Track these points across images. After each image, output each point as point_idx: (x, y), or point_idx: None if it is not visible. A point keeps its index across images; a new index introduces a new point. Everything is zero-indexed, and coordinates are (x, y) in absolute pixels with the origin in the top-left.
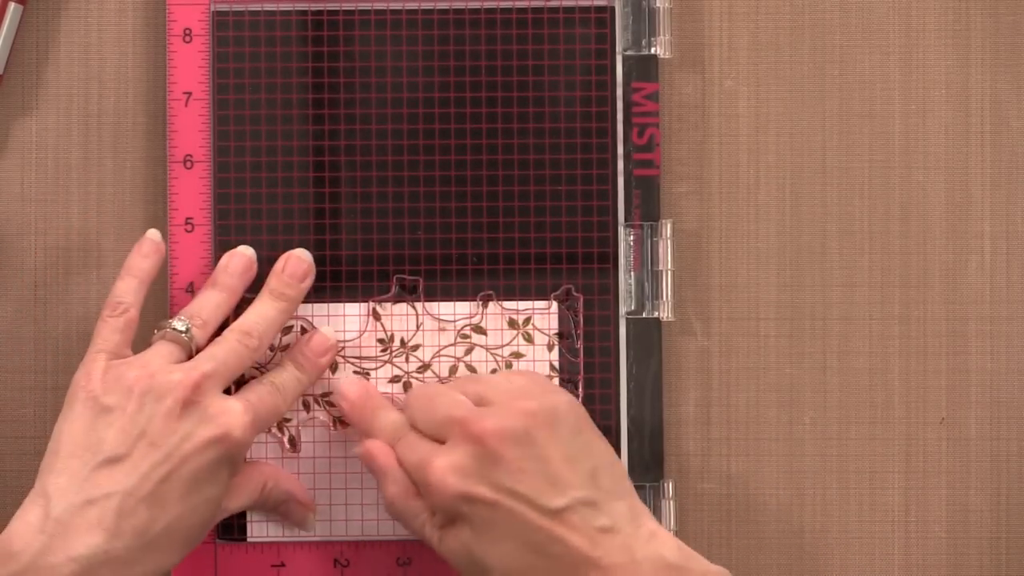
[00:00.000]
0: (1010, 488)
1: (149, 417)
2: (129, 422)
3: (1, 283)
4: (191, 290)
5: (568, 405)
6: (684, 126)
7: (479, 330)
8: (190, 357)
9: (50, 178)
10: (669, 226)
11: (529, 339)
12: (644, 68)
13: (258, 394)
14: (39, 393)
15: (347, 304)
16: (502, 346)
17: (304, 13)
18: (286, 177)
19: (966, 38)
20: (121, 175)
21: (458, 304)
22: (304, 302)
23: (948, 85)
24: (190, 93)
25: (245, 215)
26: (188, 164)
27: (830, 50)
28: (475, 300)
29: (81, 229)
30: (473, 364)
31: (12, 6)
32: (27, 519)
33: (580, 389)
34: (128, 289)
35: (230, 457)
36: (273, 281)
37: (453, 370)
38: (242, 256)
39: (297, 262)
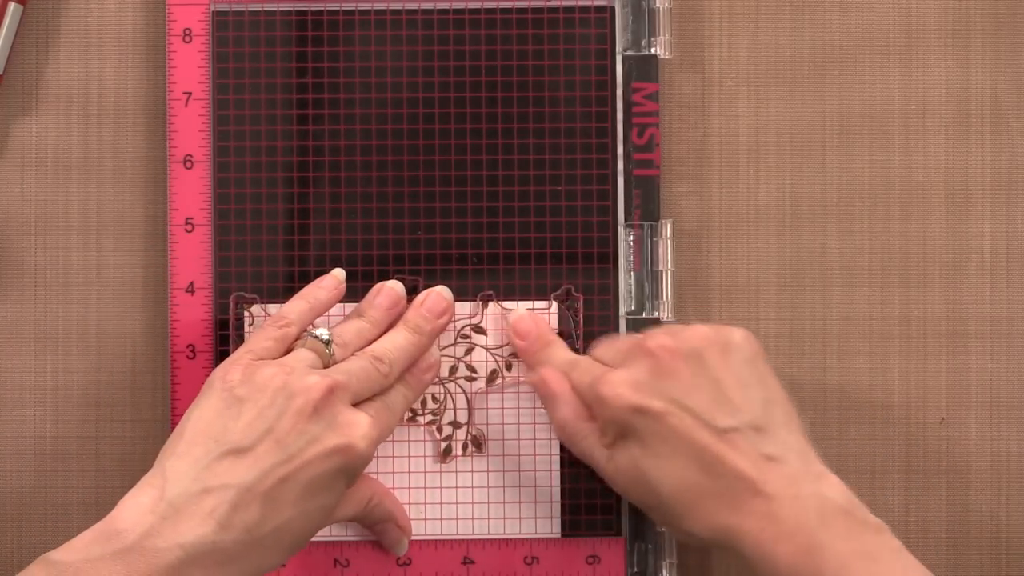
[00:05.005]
0: (1010, 488)
1: (279, 414)
2: (258, 416)
3: (1, 283)
4: (191, 290)
5: (744, 337)
6: (684, 126)
7: (479, 330)
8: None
9: (50, 178)
10: (669, 226)
11: None
12: (644, 68)
13: (375, 410)
14: (39, 393)
15: (347, 304)
16: (502, 346)
17: (304, 13)
18: (286, 177)
19: (966, 38)
20: (121, 175)
21: (458, 304)
22: None
23: (948, 85)
24: (190, 93)
25: (245, 215)
26: (188, 164)
27: (830, 50)
28: (475, 300)
29: (81, 229)
30: (473, 364)
31: (12, 6)
32: (139, 499)
33: None
34: (296, 309)
35: (351, 469)
36: (411, 314)
37: (453, 370)
38: (391, 291)
39: (437, 299)
